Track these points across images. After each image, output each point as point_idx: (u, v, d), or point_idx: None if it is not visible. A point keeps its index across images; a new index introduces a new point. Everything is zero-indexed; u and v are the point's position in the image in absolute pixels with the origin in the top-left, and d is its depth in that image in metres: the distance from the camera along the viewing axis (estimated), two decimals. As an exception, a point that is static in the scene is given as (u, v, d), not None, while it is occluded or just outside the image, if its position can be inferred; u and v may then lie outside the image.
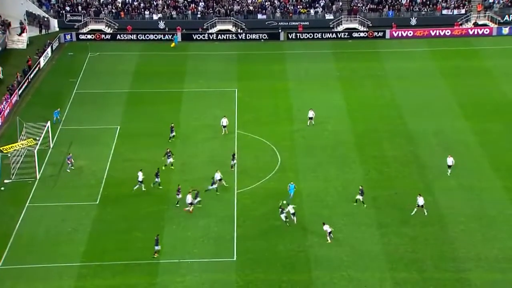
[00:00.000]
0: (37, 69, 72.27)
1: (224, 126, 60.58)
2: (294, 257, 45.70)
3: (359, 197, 50.78)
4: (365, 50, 79.40)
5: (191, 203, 49.57)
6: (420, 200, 49.40)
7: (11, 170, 54.29)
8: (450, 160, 54.29)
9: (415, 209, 49.49)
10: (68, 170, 54.25)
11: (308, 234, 47.87)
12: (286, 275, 44.13)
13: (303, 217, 49.30)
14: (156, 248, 45.57)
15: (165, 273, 44.22)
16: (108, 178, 54.19)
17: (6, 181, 53.66)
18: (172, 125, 59.77)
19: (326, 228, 46.98)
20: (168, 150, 55.40)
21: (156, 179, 52.47)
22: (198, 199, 50.11)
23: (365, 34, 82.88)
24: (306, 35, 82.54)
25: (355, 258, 45.55)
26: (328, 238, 46.87)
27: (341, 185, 53.31)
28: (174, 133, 59.37)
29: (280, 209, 48.80)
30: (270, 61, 76.58)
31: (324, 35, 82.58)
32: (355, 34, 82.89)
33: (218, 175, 52.68)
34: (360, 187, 51.13)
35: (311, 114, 62.23)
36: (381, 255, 45.83)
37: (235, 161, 55.29)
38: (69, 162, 54.36)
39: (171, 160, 54.88)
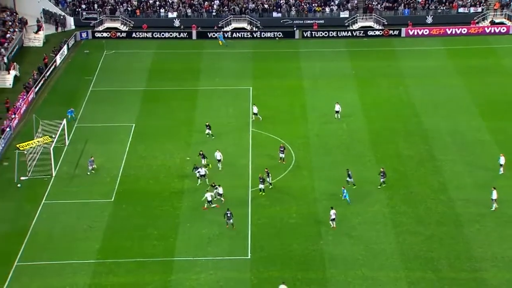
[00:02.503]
0: (53, 67, 72.63)
1: (255, 114, 61.24)
2: (308, 255, 45.60)
3: (381, 179, 51.35)
4: (380, 48, 79.05)
5: (210, 201, 49.51)
6: (494, 194, 48.88)
7: (27, 167, 54.59)
8: (502, 159, 53.76)
9: (494, 205, 48.99)
10: (88, 173, 54.30)
11: (323, 232, 47.74)
12: (301, 273, 44.04)
13: (317, 215, 49.18)
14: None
15: (179, 271, 44.28)
16: (123, 176, 54.33)
17: (22, 178, 53.96)
18: (207, 123, 59.54)
19: (332, 213, 47.27)
20: (201, 151, 55.23)
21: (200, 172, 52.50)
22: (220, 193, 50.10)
23: (380, 33, 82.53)
24: (321, 33, 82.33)
25: (369, 257, 45.37)
26: (332, 223, 47.19)
27: (356, 184, 53.03)
28: (209, 131, 59.08)
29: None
30: (285, 59, 76.44)
31: (339, 34, 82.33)
32: (370, 33, 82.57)
33: (218, 154, 53.43)
34: (382, 169, 51.40)
35: (337, 108, 62.14)
36: (396, 254, 45.61)
37: (283, 154, 55.06)
38: (90, 166, 54.29)
39: (205, 161, 54.69)
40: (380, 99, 67.19)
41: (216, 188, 50.23)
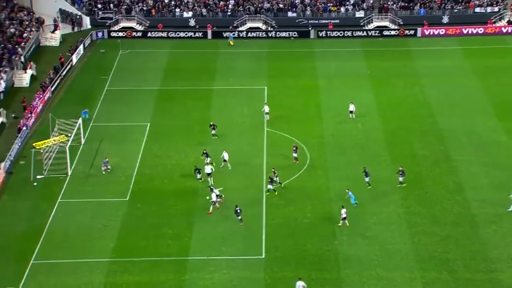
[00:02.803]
0: (69, 66, 73.01)
1: (267, 113, 61.35)
2: (323, 256, 45.52)
3: (400, 178, 51.26)
4: (396, 48, 78.72)
5: (214, 202, 49.51)
6: None
7: (43, 166, 54.92)
8: None
9: None
10: (104, 173, 54.49)
11: (337, 232, 47.63)
12: (315, 273, 43.97)
13: (332, 215, 49.07)
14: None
15: (193, 270, 44.36)
16: (138, 175, 54.52)
17: (38, 176, 54.30)
18: (212, 123, 59.64)
19: (343, 212, 47.30)
20: (204, 150, 55.37)
21: (198, 176, 52.72)
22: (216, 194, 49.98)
23: (396, 32, 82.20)
24: (336, 33, 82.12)
25: (384, 257, 45.21)
26: (342, 222, 47.29)
27: (371, 184, 52.87)
28: (214, 131, 59.13)
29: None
30: (300, 59, 76.32)
31: (355, 33, 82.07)
32: (386, 32, 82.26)
33: (225, 155, 53.77)
34: (400, 168, 51.22)
35: (351, 107, 62.04)
36: (411, 254, 45.42)
37: (296, 154, 55.13)
38: (104, 167, 54.51)
39: (208, 160, 54.80)
40: (395, 99, 66.90)
41: (212, 191, 49.96)
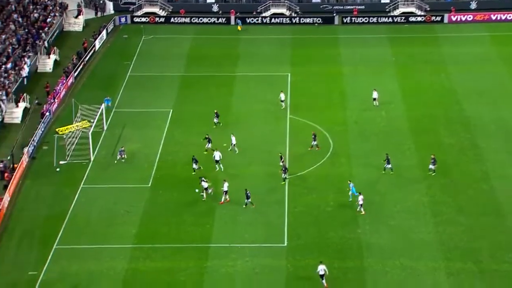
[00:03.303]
0: (92, 51, 73.24)
1: (282, 101, 60.96)
2: (345, 244, 45.33)
3: (431, 166, 51.05)
4: (422, 35, 77.80)
5: (226, 192, 49.20)
6: None
7: (66, 152, 55.25)
8: None
9: None
10: (116, 162, 54.35)
11: (360, 221, 47.38)
12: (337, 262, 43.80)
13: (355, 204, 48.76)
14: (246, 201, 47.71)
15: (215, 257, 44.43)
16: (160, 161, 54.62)
17: (61, 162, 54.64)
18: (216, 111, 59.51)
19: (360, 199, 47.16)
20: (207, 135, 55.24)
21: (194, 166, 52.23)
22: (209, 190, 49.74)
23: (422, 19, 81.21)
24: (361, 19, 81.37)
25: (408, 247, 44.89)
26: (360, 208, 47.24)
27: (394, 172, 52.49)
28: (216, 120, 58.83)
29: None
30: (324, 45, 75.78)
31: (380, 19, 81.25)
32: (412, 19, 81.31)
33: (233, 139, 54.24)
34: (432, 156, 50.97)
35: (375, 94, 61.60)
36: (435, 244, 45.03)
37: (315, 142, 54.89)
38: (119, 156, 54.47)
39: (209, 145, 54.73)
40: (420, 86, 66.23)
41: (202, 181, 49.57)
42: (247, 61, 71.93)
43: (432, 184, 51.00)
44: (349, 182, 49.56)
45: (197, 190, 50.01)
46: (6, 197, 49.67)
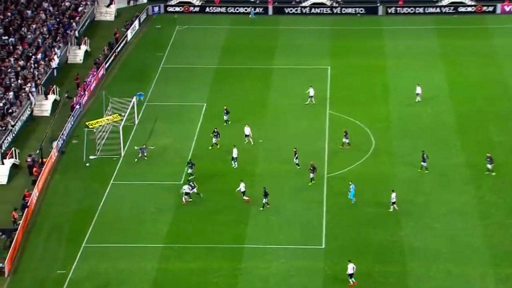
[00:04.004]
0: (124, 42, 73.91)
1: (311, 96, 60.85)
2: (387, 247, 45.08)
3: (488, 166, 50.62)
4: (472, 26, 76.89)
5: (243, 192, 49.26)
6: None
7: (96, 146, 55.91)
8: None
9: None
10: (136, 159, 54.74)
11: (403, 222, 47.06)
12: (378, 265, 43.58)
13: (398, 204, 48.40)
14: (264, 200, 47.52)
15: (249, 259, 44.54)
16: (193, 157, 54.87)
17: (91, 157, 55.31)
18: (226, 107, 59.37)
19: (393, 196, 47.03)
20: (216, 129, 55.33)
21: (189, 171, 51.77)
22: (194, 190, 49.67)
23: (472, 9, 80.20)
24: (406, 10, 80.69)
25: (454, 251, 44.48)
26: (393, 206, 47.04)
27: (440, 171, 52.01)
28: (226, 117, 58.60)
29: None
30: (366, 37, 75.32)
31: (427, 10, 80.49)
32: (461, 9, 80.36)
33: (247, 130, 54.60)
34: (488, 154, 50.64)
35: (418, 90, 61.14)
36: (484, 248, 44.52)
37: (347, 139, 54.78)
38: (141, 153, 54.79)
39: (216, 140, 54.72)
40: (469, 80, 65.50)
41: (190, 186, 49.50)
42: (285, 53, 71.87)
43: (481, 185, 50.39)
44: (350, 183, 49.32)
45: (201, 195, 49.80)
46: (35, 193, 50.50)
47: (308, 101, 61.51)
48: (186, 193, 49.41)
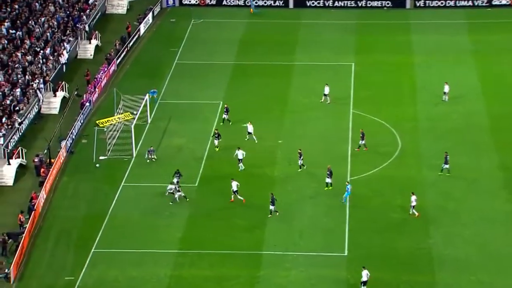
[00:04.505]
0: (136, 36, 74.21)
1: (325, 95, 60.93)
2: (414, 255, 44.92)
3: None
4: (507, 20, 76.45)
5: (236, 192, 49.50)
6: None
7: (106, 146, 56.16)
8: None
9: None
10: (148, 161, 55.04)
11: (432, 230, 46.88)
12: (405, 275, 43.44)
13: (426, 210, 48.29)
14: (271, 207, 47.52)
15: (268, 266, 44.54)
16: (208, 159, 54.99)
17: (101, 157, 55.55)
18: (226, 106, 59.29)
19: (412, 199, 47.06)
20: (216, 130, 55.30)
21: (175, 179, 51.13)
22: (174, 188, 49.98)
23: (508, 2, 79.75)
24: (436, 3, 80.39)
25: (486, 260, 44.27)
26: (412, 210, 47.01)
27: (471, 176, 51.78)
28: (225, 116, 58.56)
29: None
30: (393, 31, 75.16)
31: (458, 3, 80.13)
32: (495, 2, 79.92)
33: (250, 127, 55.13)
34: None
35: (446, 88, 60.92)
36: (517, 258, 44.32)
37: (363, 141, 54.74)
38: (150, 156, 54.87)
39: (217, 142, 54.78)
40: (503, 78, 65.20)
41: (176, 189, 49.85)
42: (307, 49, 71.84)
43: (514, 190, 50.15)
44: (347, 183, 49.26)
45: (188, 199, 50.06)
46: (42, 195, 50.83)
47: (323, 99, 61.40)
48: (171, 192, 49.69)
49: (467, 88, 63.32)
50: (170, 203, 49.81)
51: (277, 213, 48.32)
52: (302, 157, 52.57)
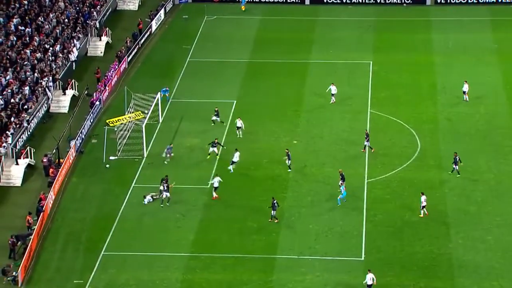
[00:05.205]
0: (148, 33, 74.54)
1: (333, 94, 60.94)
2: (433, 260, 44.90)
3: None
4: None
5: (216, 188, 50.07)
6: None
7: (117, 146, 56.47)
8: None
9: None
10: (166, 162, 55.29)
11: (452, 234, 46.85)
12: (424, 280, 43.43)
13: (446, 214, 48.27)
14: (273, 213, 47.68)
15: (282, 270, 44.66)
16: (221, 160, 55.15)
17: (111, 158, 55.86)
18: (216, 109, 59.31)
19: (423, 199, 47.33)
20: (216, 140, 55.40)
21: (161, 188, 51.12)
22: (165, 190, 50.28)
23: (532, -2, 79.66)
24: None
25: (508, 266, 44.21)
26: (422, 211, 47.27)
27: (493, 179, 51.76)
28: (216, 118, 58.61)
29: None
30: (413, 29, 75.13)
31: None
32: (519, -2, 79.86)
33: (239, 122, 56.39)
34: None
35: (465, 87, 60.85)
36: (541, 264, 44.22)
37: (368, 142, 54.82)
38: (168, 154, 55.17)
39: (214, 149, 54.85)
40: (527, 78, 65.05)
41: (163, 187, 50.25)
42: (323, 47, 71.94)
43: (538, 194, 50.02)
44: (340, 184, 49.41)
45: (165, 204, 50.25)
46: (51, 196, 51.18)
47: (332, 100, 61.36)
48: (160, 190, 50.18)
49: (490, 88, 63.20)
50: (161, 206, 50.01)
51: (277, 221, 48.30)
52: (289, 157, 52.68)
